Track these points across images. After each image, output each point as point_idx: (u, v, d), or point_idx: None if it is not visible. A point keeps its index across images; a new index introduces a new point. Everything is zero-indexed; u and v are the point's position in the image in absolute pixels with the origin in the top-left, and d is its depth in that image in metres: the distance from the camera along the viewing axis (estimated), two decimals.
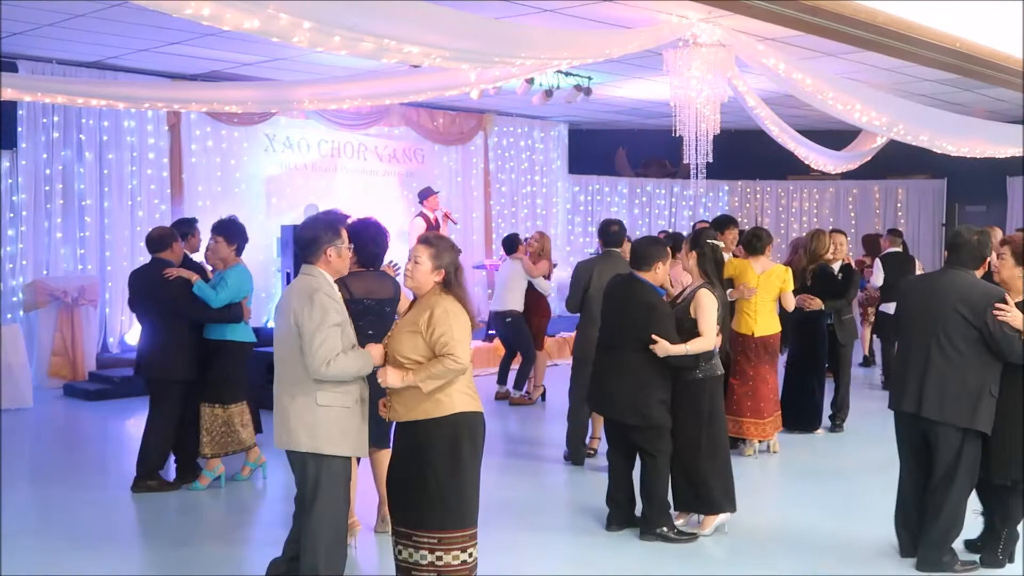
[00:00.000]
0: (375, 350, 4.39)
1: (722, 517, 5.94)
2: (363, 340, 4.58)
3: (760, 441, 7.89)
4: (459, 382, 4.32)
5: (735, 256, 8.15)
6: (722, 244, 6.18)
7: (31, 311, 11.14)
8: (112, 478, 7.36)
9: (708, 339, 5.72)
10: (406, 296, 5.22)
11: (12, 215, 11.24)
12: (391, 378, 4.28)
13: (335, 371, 4.21)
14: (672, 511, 5.94)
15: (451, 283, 4.35)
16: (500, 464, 7.72)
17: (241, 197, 12.86)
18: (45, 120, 11.35)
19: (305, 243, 4.42)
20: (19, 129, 11.21)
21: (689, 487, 5.90)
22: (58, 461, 8.01)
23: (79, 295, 11.13)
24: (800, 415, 8.59)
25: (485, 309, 14.69)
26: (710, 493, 5.87)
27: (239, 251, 6.91)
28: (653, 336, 5.63)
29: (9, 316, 11.11)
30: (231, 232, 6.88)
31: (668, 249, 6.01)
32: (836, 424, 8.86)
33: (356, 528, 5.65)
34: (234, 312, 6.81)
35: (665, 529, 5.82)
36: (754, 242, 7.87)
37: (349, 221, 4.92)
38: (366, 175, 14.31)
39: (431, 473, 4.28)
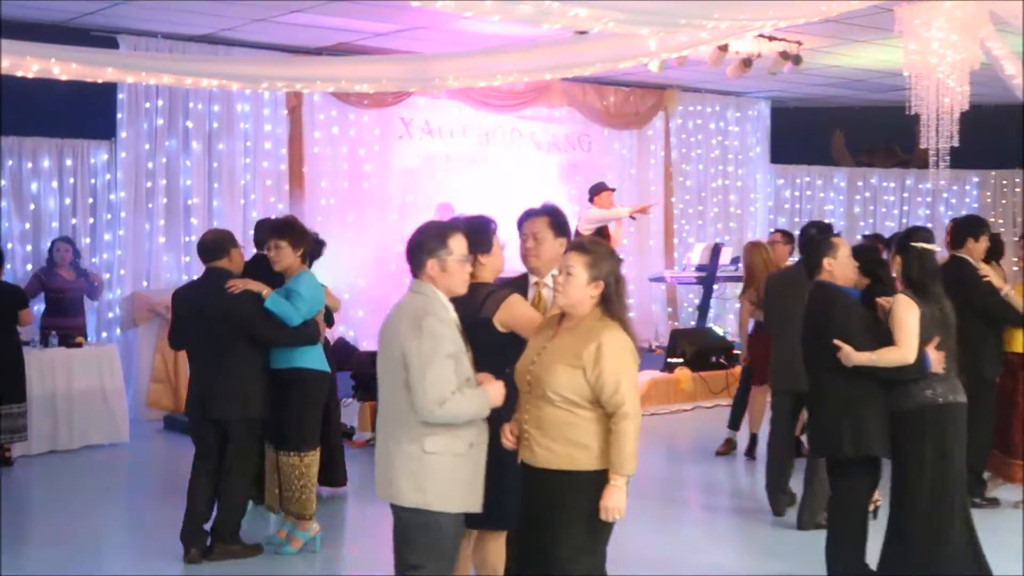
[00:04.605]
0: (493, 389, 4.39)
1: None
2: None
3: None
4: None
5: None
6: (937, 248, 6.00)
7: (129, 329, 11.29)
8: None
9: (904, 349, 5.55)
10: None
11: (110, 216, 11.57)
12: (614, 500, 4.24)
13: (449, 413, 4.26)
14: None
15: (611, 299, 4.34)
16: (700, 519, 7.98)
17: (371, 194, 13.06)
18: (148, 104, 11.61)
19: (408, 251, 4.47)
20: (118, 116, 11.48)
21: (902, 551, 5.69)
22: (153, 511, 7.95)
23: None
24: None
25: (665, 330, 14.46)
26: (931, 559, 5.61)
27: (305, 258, 6.76)
28: (835, 342, 5.57)
29: (104, 335, 11.37)
30: (296, 234, 6.68)
31: (833, 240, 5.99)
32: None
33: None
34: (312, 331, 6.71)
35: None
36: None
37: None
38: (520, 167, 14.32)
39: (565, 538, 4.27)
